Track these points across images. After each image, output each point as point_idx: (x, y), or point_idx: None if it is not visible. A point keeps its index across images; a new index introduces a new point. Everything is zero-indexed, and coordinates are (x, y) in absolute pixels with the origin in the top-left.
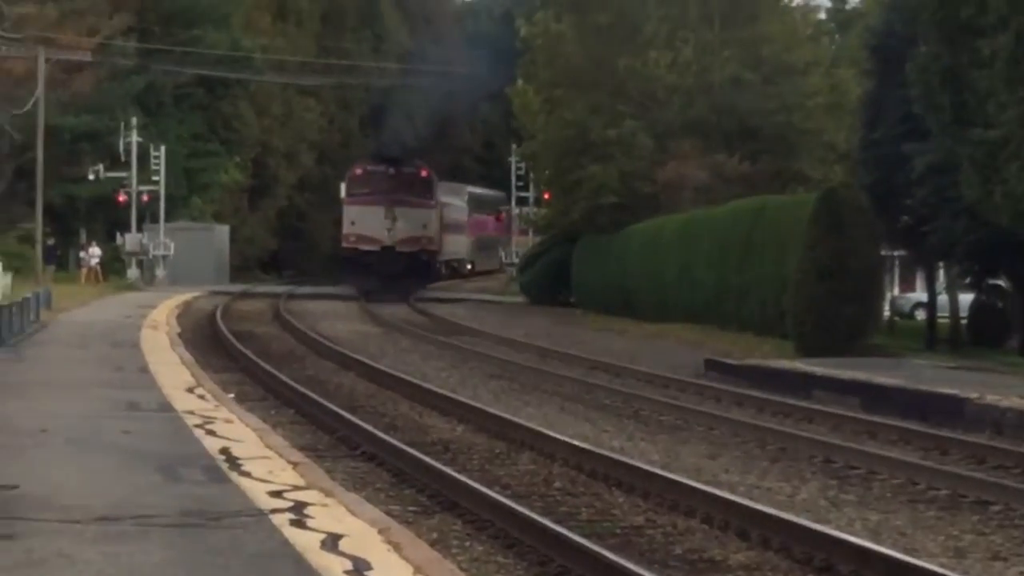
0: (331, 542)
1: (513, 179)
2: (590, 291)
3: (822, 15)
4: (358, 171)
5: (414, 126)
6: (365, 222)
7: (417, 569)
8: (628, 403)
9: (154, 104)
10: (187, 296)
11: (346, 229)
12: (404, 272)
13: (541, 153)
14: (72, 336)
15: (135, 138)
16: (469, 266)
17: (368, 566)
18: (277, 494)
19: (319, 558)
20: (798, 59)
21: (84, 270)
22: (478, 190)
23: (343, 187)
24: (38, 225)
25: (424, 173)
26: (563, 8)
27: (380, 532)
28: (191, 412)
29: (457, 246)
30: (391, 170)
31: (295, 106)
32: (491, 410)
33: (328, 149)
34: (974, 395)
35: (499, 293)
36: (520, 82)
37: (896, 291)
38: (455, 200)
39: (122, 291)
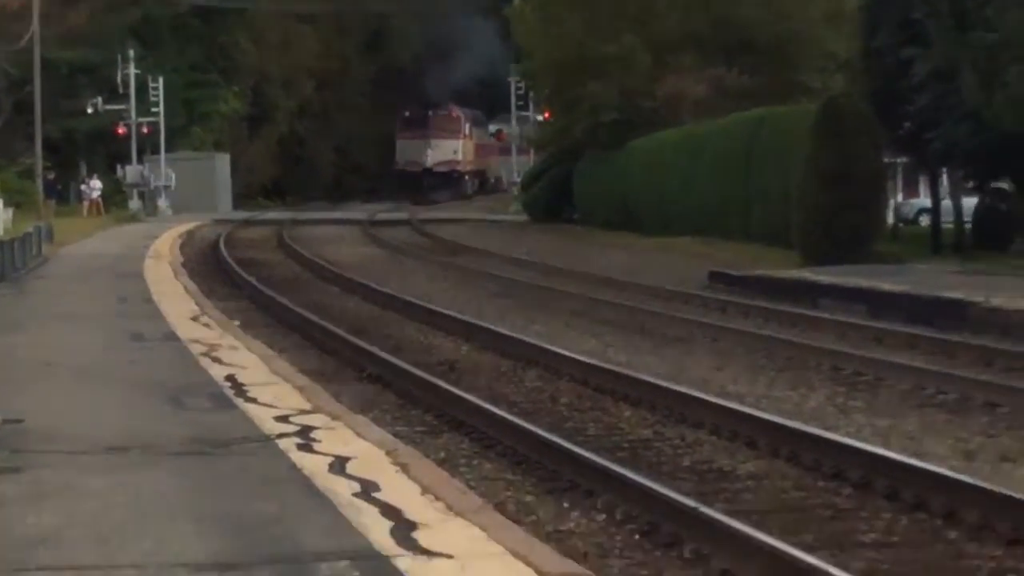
0: (338, 465)
1: (513, 99)
2: (592, 207)
3: None
4: (406, 114)
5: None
6: (410, 151)
7: (425, 489)
8: (633, 317)
9: (151, 36)
10: (190, 226)
11: (398, 157)
12: (440, 186)
13: (540, 72)
14: (75, 269)
15: (133, 70)
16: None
17: (376, 487)
18: (283, 419)
19: (326, 481)
20: None
21: (85, 203)
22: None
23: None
24: (38, 160)
25: (454, 114)
26: None
27: (387, 453)
28: (196, 341)
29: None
30: (429, 112)
31: (292, 34)
32: (496, 328)
33: (327, 76)
34: (980, 298)
35: (501, 212)
36: (517, 1)
37: (900, 198)
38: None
39: (124, 223)
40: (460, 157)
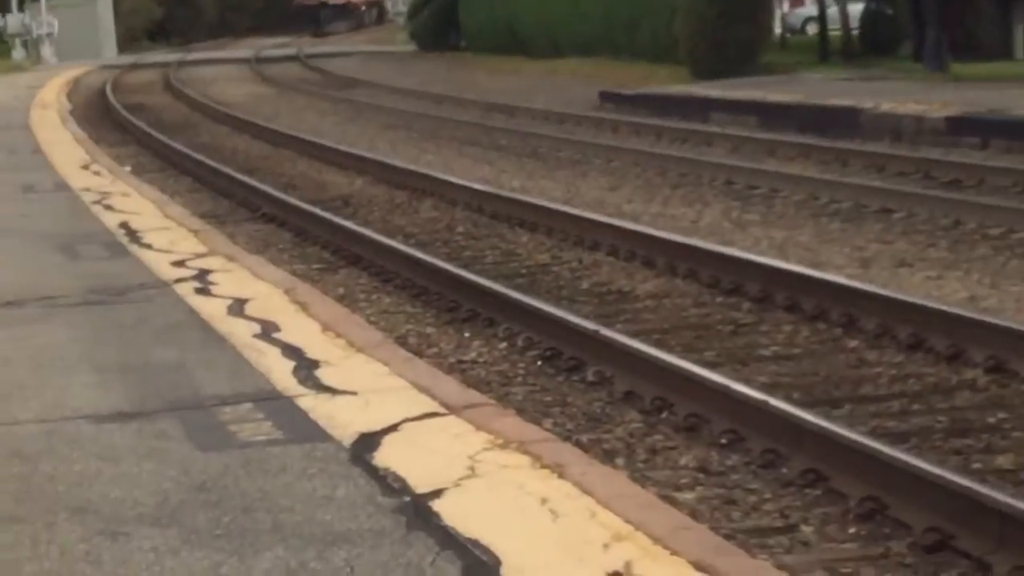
0: (237, 307)
1: None
2: (480, 33)
3: None
4: None
5: None
6: None
7: (325, 327)
8: (526, 142)
9: None
10: (76, 73)
11: None
12: (338, 18)
13: None
14: None
15: None
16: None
17: (275, 327)
18: (180, 263)
19: (226, 324)
20: None
21: None
22: None
23: None
24: None
25: None
26: None
27: (286, 292)
28: (88, 189)
29: None
30: None
31: None
32: (389, 161)
33: None
34: (870, 104)
35: (389, 43)
36: None
37: (786, 7)
38: None
39: (9, 73)
40: None
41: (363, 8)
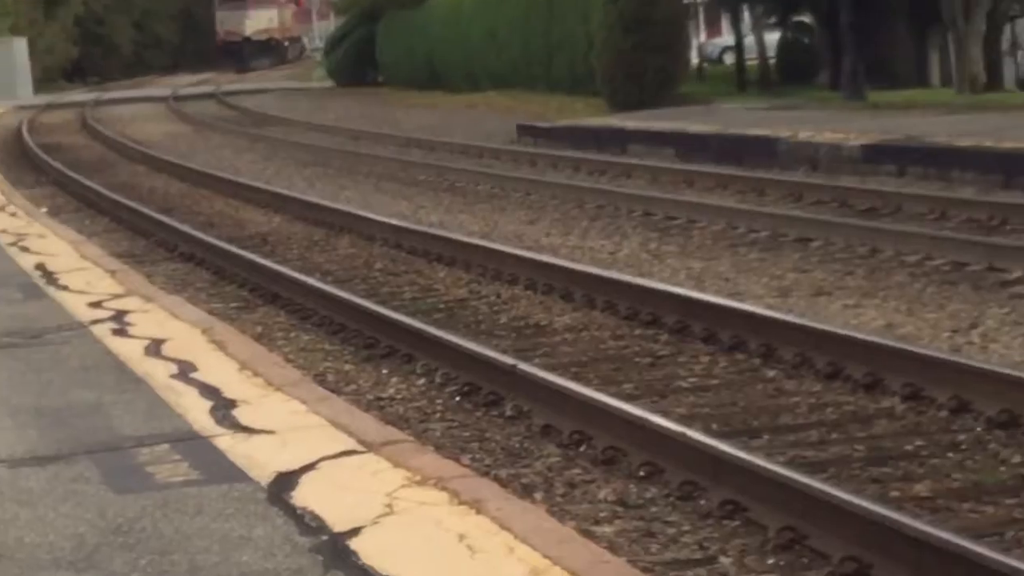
0: (154, 347)
1: None
2: (397, 68)
3: None
4: None
5: None
6: (230, 22)
7: (243, 365)
8: (443, 176)
9: None
10: None
11: (218, 27)
12: (260, 54)
13: None
14: None
15: None
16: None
17: (193, 367)
18: (97, 304)
19: (143, 365)
20: None
21: None
22: None
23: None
24: None
25: None
26: None
27: (203, 332)
28: (3, 231)
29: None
30: None
31: None
32: (307, 198)
33: None
34: (787, 133)
35: (306, 80)
36: None
37: (703, 37)
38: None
39: None
40: (277, 25)
41: (286, 44)
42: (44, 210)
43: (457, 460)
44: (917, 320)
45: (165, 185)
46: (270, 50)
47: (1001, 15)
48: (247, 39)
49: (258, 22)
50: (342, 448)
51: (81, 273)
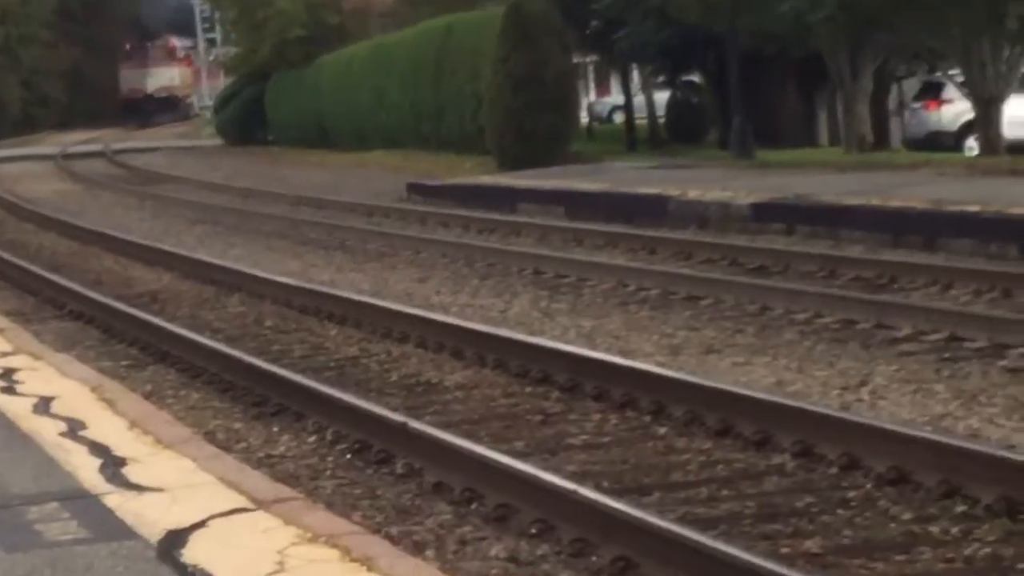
0: (43, 405)
1: (198, 21)
2: (286, 127)
3: None
4: (127, 46)
5: None
6: (132, 80)
7: (132, 423)
8: (333, 235)
9: None
10: None
11: (122, 84)
12: (161, 110)
13: None
14: None
15: None
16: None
17: (82, 425)
18: None
19: (31, 423)
20: None
21: None
22: None
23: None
24: None
25: (170, 44)
26: None
27: (92, 390)
28: None
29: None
30: (148, 44)
31: None
32: (196, 256)
33: (7, 8)
34: (676, 192)
35: (195, 138)
36: None
37: (592, 96)
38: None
39: None
40: (177, 83)
41: (186, 100)
42: None
43: (348, 517)
44: (807, 377)
45: (54, 243)
46: (172, 107)
47: (888, 75)
48: (149, 96)
49: (159, 79)
50: (233, 506)
51: None
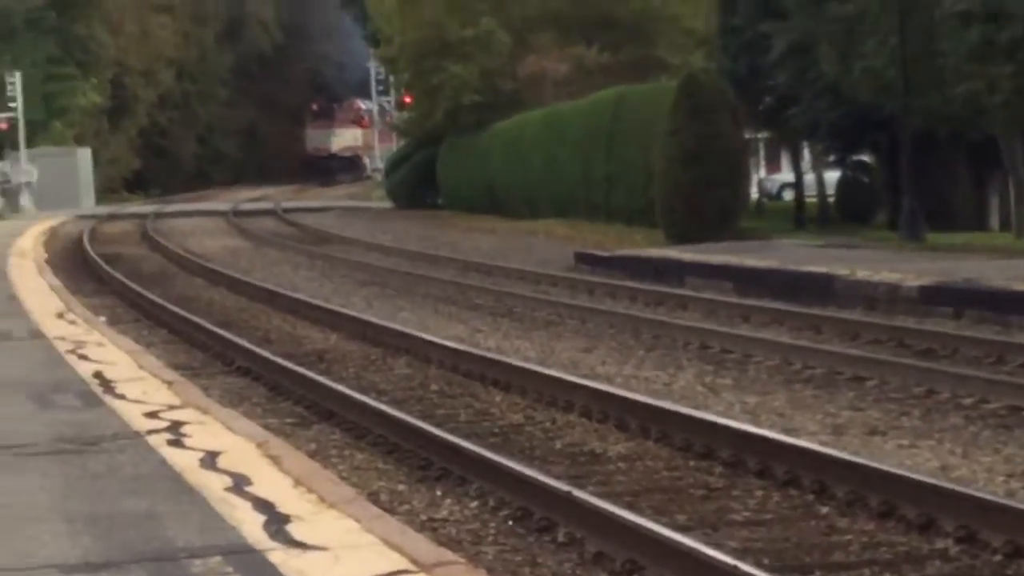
0: (209, 460)
1: (373, 84)
2: (457, 192)
3: None
4: (314, 107)
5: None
6: (318, 139)
7: (297, 481)
8: (501, 301)
9: (5, 30)
10: (53, 222)
11: (307, 143)
12: (344, 169)
13: (399, 56)
14: None
15: None
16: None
17: (247, 481)
18: (153, 415)
19: (198, 476)
20: None
21: None
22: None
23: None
24: None
25: (355, 105)
26: None
27: (258, 446)
28: (62, 338)
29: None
30: (334, 105)
31: (149, 23)
32: (364, 316)
33: (186, 65)
34: (844, 272)
35: (366, 199)
36: None
37: (763, 173)
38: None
39: None
40: (360, 143)
41: (364, 160)
42: (103, 319)
43: None
44: (972, 463)
45: (223, 299)
46: (354, 166)
47: None
48: (333, 155)
49: (343, 139)
50: (395, 567)
51: (138, 383)
